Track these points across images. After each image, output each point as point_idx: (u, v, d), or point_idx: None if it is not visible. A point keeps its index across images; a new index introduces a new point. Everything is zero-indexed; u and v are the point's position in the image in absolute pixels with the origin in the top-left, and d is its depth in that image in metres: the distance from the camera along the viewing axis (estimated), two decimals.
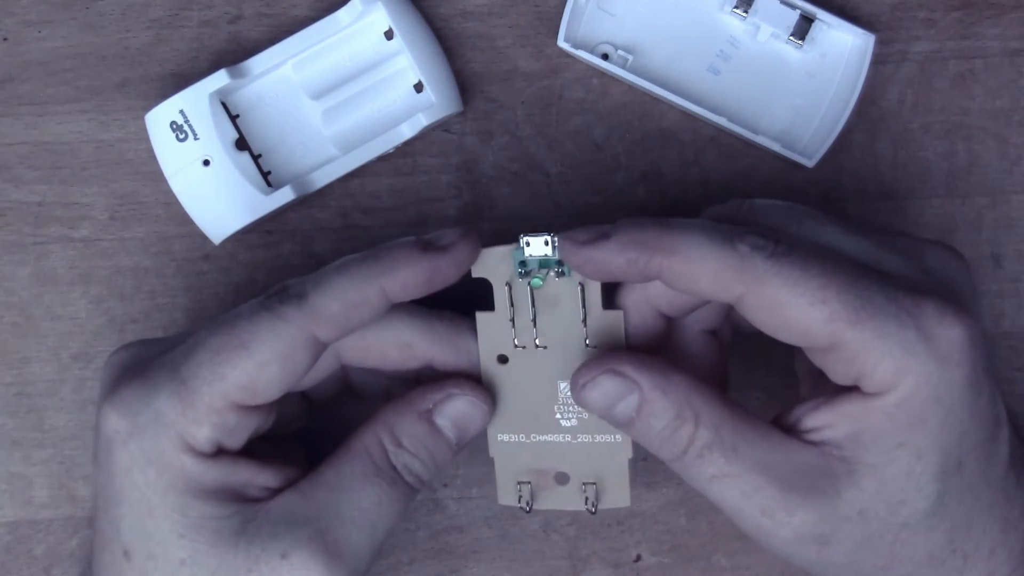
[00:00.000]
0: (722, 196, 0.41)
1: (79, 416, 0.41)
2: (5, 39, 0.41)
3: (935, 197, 0.41)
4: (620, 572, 0.41)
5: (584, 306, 0.34)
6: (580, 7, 0.40)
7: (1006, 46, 0.41)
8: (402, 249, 0.33)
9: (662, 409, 0.32)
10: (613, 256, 0.32)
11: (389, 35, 0.40)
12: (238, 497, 0.33)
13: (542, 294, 0.34)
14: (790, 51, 0.40)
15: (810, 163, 0.40)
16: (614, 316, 0.34)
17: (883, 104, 0.41)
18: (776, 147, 0.40)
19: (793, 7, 0.40)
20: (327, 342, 0.32)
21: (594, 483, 0.36)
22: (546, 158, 0.41)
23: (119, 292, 0.41)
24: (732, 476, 0.31)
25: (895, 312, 0.30)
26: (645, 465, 0.41)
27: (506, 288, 0.34)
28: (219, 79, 0.39)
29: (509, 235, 0.40)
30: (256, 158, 0.40)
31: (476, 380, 0.35)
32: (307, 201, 0.41)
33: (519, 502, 0.36)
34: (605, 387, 0.32)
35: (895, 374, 0.30)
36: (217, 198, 0.39)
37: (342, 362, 0.36)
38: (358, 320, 0.32)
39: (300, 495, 0.34)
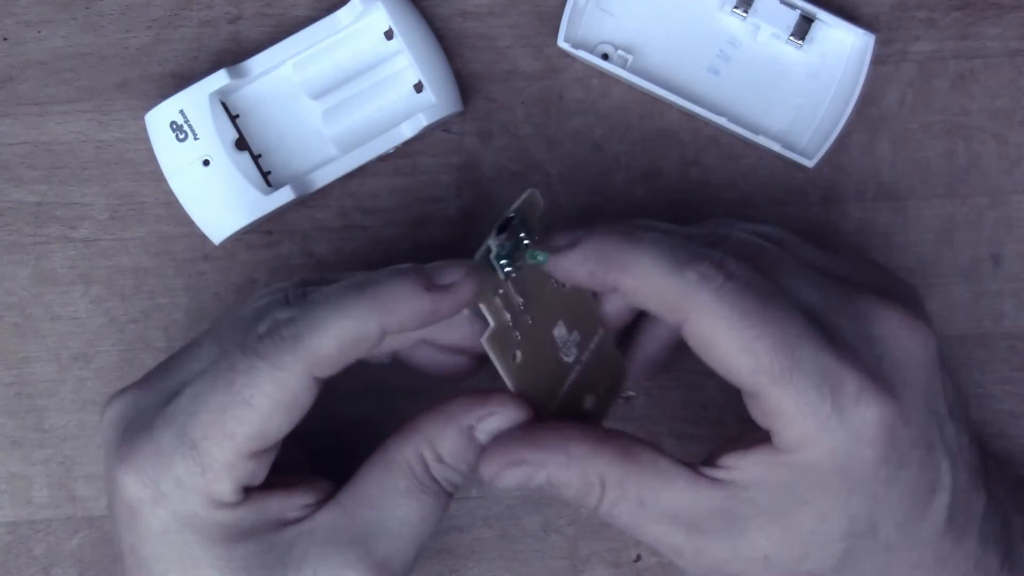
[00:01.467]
0: (722, 196, 0.41)
1: (79, 416, 0.41)
2: (5, 39, 0.41)
3: (935, 197, 0.41)
4: (620, 572, 0.41)
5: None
6: (580, 7, 0.40)
7: (1006, 46, 0.41)
8: (402, 286, 0.32)
9: (568, 480, 0.32)
10: (576, 266, 0.32)
11: (389, 35, 0.40)
12: (278, 524, 0.33)
13: (520, 277, 0.34)
14: (790, 51, 0.40)
15: (810, 163, 0.40)
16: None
17: (883, 104, 0.41)
18: (776, 147, 0.40)
19: (793, 7, 0.40)
20: (326, 378, 0.32)
21: (608, 386, 0.37)
22: (546, 158, 0.41)
23: (119, 292, 0.41)
24: (641, 526, 0.32)
25: (818, 381, 0.31)
26: None
27: (496, 299, 0.33)
28: (219, 79, 0.39)
29: None
30: (256, 158, 0.40)
31: (517, 398, 0.35)
32: (307, 201, 0.41)
33: None
34: (514, 474, 0.33)
35: (804, 439, 0.31)
36: (217, 198, 0.39)
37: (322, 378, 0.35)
38: (355, 355, 0.32)
39: (343, 512, 0.33)
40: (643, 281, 0.32)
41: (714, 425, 0.41)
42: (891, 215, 0.41)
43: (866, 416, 0.31)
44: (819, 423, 0.31)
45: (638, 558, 0.41)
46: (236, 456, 0.32)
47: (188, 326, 0.41)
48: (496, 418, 0.34)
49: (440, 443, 0.34)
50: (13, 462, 0.41)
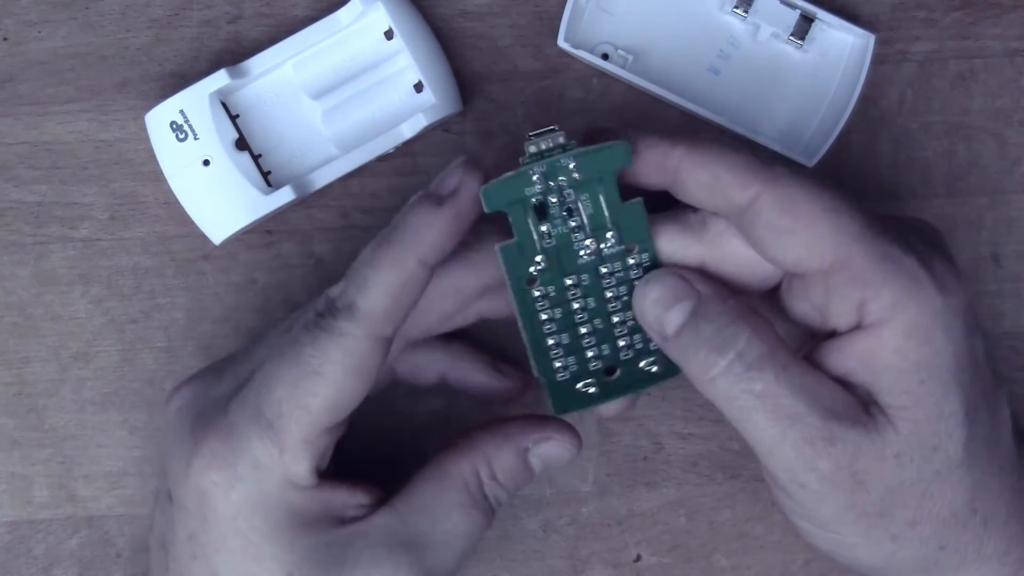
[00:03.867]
0: None
1: (79, 416, 0.41)
2: (5, 39, 0.41)
3: (935, 197, 0.41)
4: (620, 572, 0.41)
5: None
6: (580, 7, 0.40)
7: (1006, 46, 0.41)
8: (419, 215, 0.32)
9: (716, 313, 0.32)
10: (649, 148, 0.32)
11: (389, 35, 0.40)
12: (338, 521, 0.33)
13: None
14: (790, 51, 0.40)
15: (810, 163, 0.40)
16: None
17: (883, 104, 0.41)
18: (776, 147, 0.40)
19: (793, 7, 0.40)
20: (393, 336, 0.32)
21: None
22: None
23: (119, 292, 0.41)
24: (779, 396, 0.31)
25: (895, 239, 0.31)
26: (645, 465, 0.41)
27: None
28: (219, 79, 0.39)
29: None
30: (256, 158, 0.40)
31: (567, 424, 0.35)
32: (307, 201, 0.41)
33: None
34: (667, 284, 0.32)
35: (898, 299, 0.30)
36: (217, 198, 0.39)
37: (407, 341, 0.35)
38: (413, 300, 0.32)
39: (397, 518, 0.34)
40: (716, 155, 0.31)
41: (714, 425, 0.41)
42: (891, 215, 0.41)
43: (946, 267, 0.31)
44: (911, 275, 0.30)
45: (638, 558, 0.41)
46: (313, 431, 0.32)
47: (188, 326, 0.41)
48: (551, 444, 0.34)
49: (496, 461, 0.34)
50: (13, 462, 0.41)
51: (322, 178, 0.40)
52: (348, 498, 0.34)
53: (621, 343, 0.34)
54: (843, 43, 0.40)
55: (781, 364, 0.31)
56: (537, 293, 0.33)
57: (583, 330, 0.34)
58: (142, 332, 0.41)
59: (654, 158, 0.32)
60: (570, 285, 0.34)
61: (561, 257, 0.33)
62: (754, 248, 0.32)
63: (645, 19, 0.41)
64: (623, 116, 0.41)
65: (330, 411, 0.32)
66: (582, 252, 0.33)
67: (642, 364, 0.35)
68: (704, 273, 0.33)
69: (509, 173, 0.32)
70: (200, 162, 0.39)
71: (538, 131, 0.33)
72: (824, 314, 0.32)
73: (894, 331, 0.31)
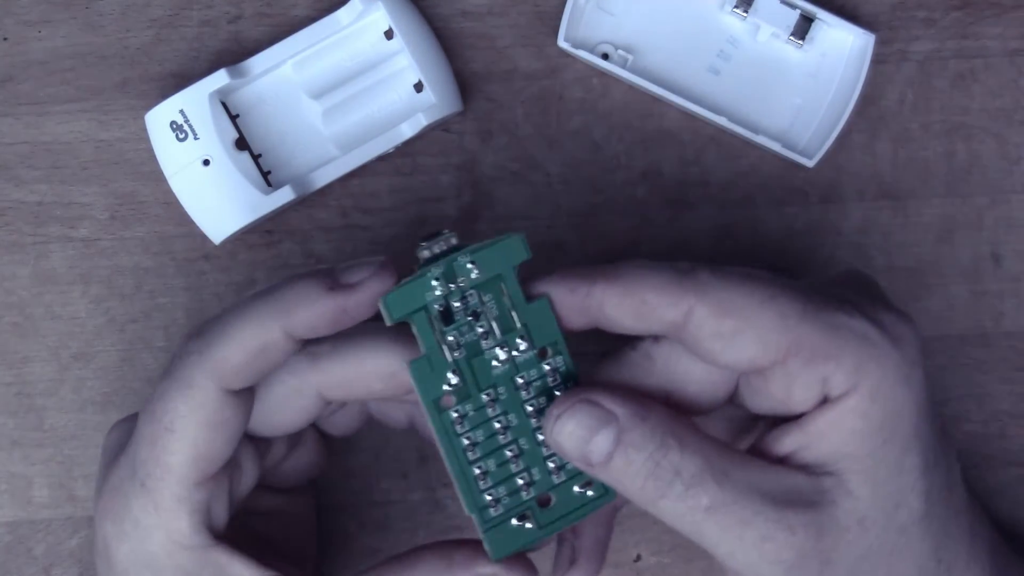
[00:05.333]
0: (722, 196, 0.41)
1: (79, 416, 0.41)
2: (5, 39, 0.41)
3: (935, 197, 0.41)
4: (620, 572, 0.41)
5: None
6: (580, 7, 0.40)
7: (1006, 46, 0.41)
8: (305, 287, 0.31)
9: (643, 439, 0.30)
10: (562, 285, 0.31)
11: (389, 35, 0.40)
12: None
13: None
14: (790, 51, 0.40)
15: (810, 163, 0.40)
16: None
17: (883, 104, 0.41)
18: (776, 147, 0.40)
19: (793, 7, 0.40)
20: (243, 392, 0.31)
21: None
22: (546, 158, 0.41)
23: (119, 292, 0.41)
24: (728, 504, 0.29)
25: (838, 305, 0.30)
26: None
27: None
28: (219, 79, 0.39)
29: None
30: (256, 158, 0.40)
31: (527, 561, 0.33)
32: (307, 201, 0.41)
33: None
34: (580, 417, 0.30)
35: (858, 365, 0.29)
36: (217, 198, 0.39)
37: (325, 400, 0.33)
38: (268, 364, 0.31)
39: None
40: (638, 282, 0.30)
41: None
42: (891, 215, 0.41)
43: (893, 317, 0.30)
44: (864, 338, 0.29)
45: (638, 558, 0.41)
46: (181, 487, 0.31)
47: (188, 326, 0.41)
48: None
49: None
50: (13, 462, 0.41)
51: (322, 178, 0.40)
52: (250, 573, 0.32)
53: (551, 464, 0.32)
54: (843, 43, 0.40)
55: (722, 471, 0.29)
56: (455, 414, 0.31)
57: (509, 453, 0.32)
58: (142, 332, 0.41)
59: (575, 302, 0.31)
60: (488, 401, 0.31)
61: (474, 368, 0.31)
62: (705, 360, 0.31)
63: (645, 19, 0.41)
64: (623, 116, 0.41)
65: (194, 467, 0.31)
66: (494, 361, 0.31)
67: (577, 489, 0.32)
68: (613, 385, 0.31)
69: (406, 280, 0.31)
70: (200, 162, 0.39)
71: (428, 236, 0.31)
72: (787, 402, 0.31)
73: (860, 396, 0.29)
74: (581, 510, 0.32)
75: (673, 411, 0.31)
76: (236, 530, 0.33)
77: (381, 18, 0.40)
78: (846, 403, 0.30)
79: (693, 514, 0.30)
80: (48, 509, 0.41)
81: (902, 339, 0.30)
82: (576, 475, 0.32)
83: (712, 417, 0.35)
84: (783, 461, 0.31)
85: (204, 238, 0.40)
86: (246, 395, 0.32)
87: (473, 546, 0.32)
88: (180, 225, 0.41)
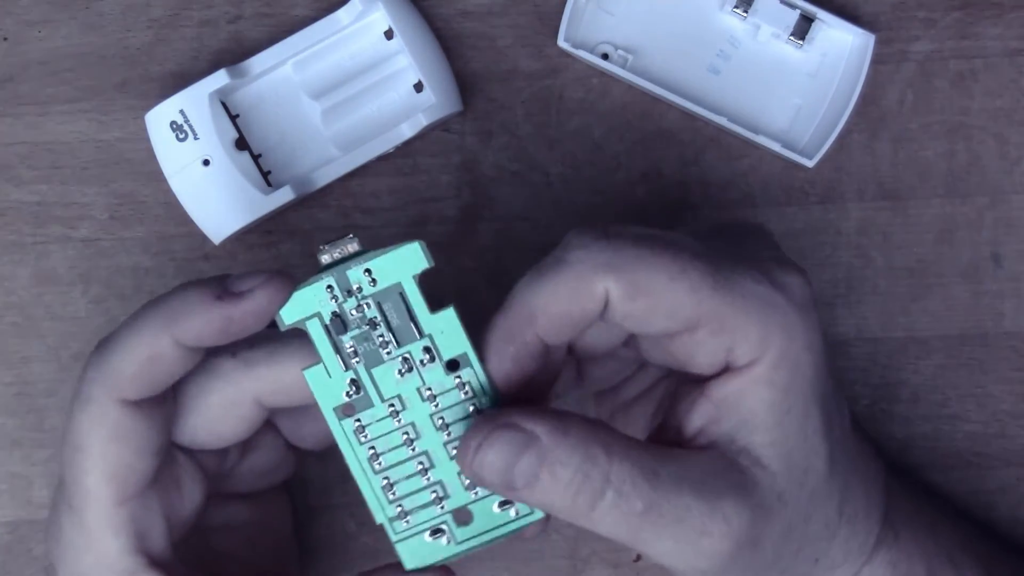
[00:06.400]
0: (722, 196, 0.41)
1: None
2: (5, 39, 0.41)
3: (935, 197, 0.41)
4: (620, 572, 0.41)
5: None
6: (580, 7, 0.40)
7: (1006, 46, 0.41)
8: (193, 295, 0.30)
9: (568, 453, 0.28)
10: (503, 364, 0.30)
11: (389, 35, 0.40)
12: None
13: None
14: (790, 51, 0.40)
15: (810, 163, 0.40)
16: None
17: (883, 104, 0.41)
18: (776, 147, 0.40)
19: (793, 7, 0.40)
20: (144, 402, 0.30)
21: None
22: (546, 158, 0.41)
23: (119, 292, 0.41)
24: (661, 504, 0.29)
25: (744, 271, 0.30)
26: None
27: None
28: (219, 79, 0.39)
29: (508, 235, 0.41)
30: (256, 158, 0.40)
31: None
32: (307, 201, 0.41)
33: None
34: (501, 445, 0.29)
35: (765, 333, 0.29)
36: (217, 198, 0.39)
37: (264, 407, 0.32)
38: (163, 374, 0.30)
39: None
40: (549, 299, 0.30)
41: None
42: (891, 215, 0.41)
43: (797, 281, 0.30)
44: (770, 304, 0.30)
45: (638, 558, 0.41)
46: (102, 508, 0.30)
47: None
48: None
49: None
50: (13, 462, 0.41)
51: (322, 178, 0.40)
52: None
53: (466, 479, 0.31)
54: (843, 43, 0.40)
55: (651, 471, 0.29)
56: (356, 424, 0.30)
57: (417, 465, 0.31)
58: None
59: (511, 343, 0.30)
60: (391, 411, 0.31)
61: (375, 378, 0.30)
62: (617, 326, 0.31)
63: (645, 19, 0.41)
64: (623, 116, 0.41)
65: (110, 485, 0.30)
66: (396, 372, 0.30)
67: (496, 508, 0.31)
68: (521, 404, 0.30)
69: (300, 286, 0.30)
70: (200, 162, 0.39)
71: (331, 240, 0.30)
72: (688, 363, 0.31)
73: (765, 365, 0.30)
74: (504, 528, 0.31)
75: (590, 418, 0.30)
76: (193, 551, 0.33)
77: (381, 18, 0.40)
78: (752, 372, 0.30)
79: (628, 520, 0.29)
80: (48, 509, 0.41)
81: (804, 303, 0.30)
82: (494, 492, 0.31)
83: (633, 406, 0.36)
84: (695, 437, 0.31)
85: (204, 238, 0.40)
86: (151, 407, 0.31)
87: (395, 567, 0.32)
88: (180, 225, 0.41)
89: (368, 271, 0.30)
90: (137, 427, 0.30)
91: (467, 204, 0.41)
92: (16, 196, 0.41)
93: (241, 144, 0.40)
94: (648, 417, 0.36)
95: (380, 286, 0.30)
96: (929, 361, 0.41)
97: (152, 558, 0.31)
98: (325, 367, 0.30)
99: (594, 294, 0.29)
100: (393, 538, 0.31)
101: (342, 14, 0.40)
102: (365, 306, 0.30)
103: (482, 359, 0.31)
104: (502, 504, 0.31)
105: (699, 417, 0.31)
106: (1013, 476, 0.41)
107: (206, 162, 0.39)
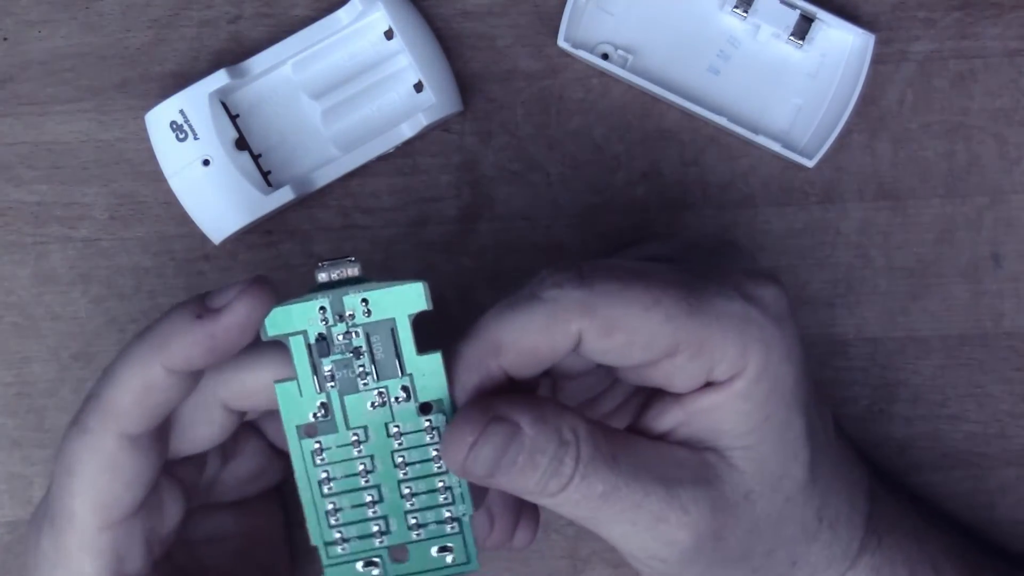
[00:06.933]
0: (722, 196, 0.41)
1: None
2: (5, 39, 0.41)
3: (935, 197, 0.41)
4: (620, 572, 0.41)
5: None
6: (580, 7, 0.40)
7: (1006, 46, 0.41)
8: (173, 319, 0.30)
9: (547, 441, 0.29)
10: (464, 392, 0.30)
11: (389, 35, 0.40)
12: None
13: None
14: (790, 51, 0.40)
15: (810, 163, 0.40)
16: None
17: (883, 104, 0.41)
18: (776, 147, 0.40)
19: (793, 7, 0.40)
20: (143, 436, 0.30)
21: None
22: (546, 158, 0.41)
23: (119, 292, 0.41)
24: (620, 488, 0.29)
25: (717, 290, 0.30)
26: None
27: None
28: (219, 79, 0.39)
29: (508, 235, 0.41)
30: (256, 158, 0.40)
31: None
32: (307, 201, 0.41)
33: None
34: (495, 440, 0.29)
35: (742, 351, 0.29)
36: (217, 198, 0.39)
37: (232, 410, 0.32)
38: (159, 404, 0.30)
39: None
40: (521, 338, 0.29)
41: None
42: (891, 215, 0.41)
43: (772, 292, 0.30)
44: (746, 321, 0.29)
45: None
46: (84, 532, 0.30)
47: None
48: None
49: None
50: (13, 462, 0.41)
51: (322, 178, 0.40)
52: None
53: (411, 519, 0.31)
54: (843, 43, 0.40)
55: (611, 456, 0.29)
56: (316, 445, 0.30)
57: (367, 497, 0.31)
58: None
59: (476, 373, 0.30)
60: (354, 440, 0.31)
61: (345, 406, 0.30)
62: (597, 361, 0.31)
63: (645, 19, 0.41)
64: (623, 116, 0.41)
65: (95, 513, 0.30)
66: (368, 403, 0.30)
67: (435, 551, 0.31)
68: (495, 394, 0.30)
69: (293, 300, 0.30)
70: (200, 162, 0.39)
71: (332, 259, 0.30)
72: (668, 386, 0.31)
73: (745, 380, 0.30)
74: (437, 572, 0.32)
75: (559, 403, 0.30)
76: (178, 566, 0.33)
77: (381, 18, 0.40)
78: (731, 387, 0.30)
79: (589, 502, 0.29)
80: None
81: (781, 315, 0.30)
82: (436, 536, 0.31)
83: (611, 419, 0.36)
84: (663, 438, 0.31)
85: (204, 238, 0.40)
86: (149, 440, 0.31)
87: None
88: (180, 225, 0.41)
89: (365, 301, 0.30)
90: (130, 462, 0.30)
91: (467, 204, 0.41)
92: (16, 196, 0.41)
93: (241, 144, 0.40)
94: (624, 427, 0.35)
95: (373, 318, 0.30)
96: (929, 361, 0.41)
97: None
98: (298, 385, 0.30)
99: (567, 333, 0.29)
100: (325, 563, 0.31)
101: (342, 14, 0.40)
102: (353, 334, 0.30)
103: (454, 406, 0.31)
104: (441, 549, 0.32)
105: (669, 421, 0.31)
106: (1013, 476, 0.41)
107: (206, 162, 0.39)
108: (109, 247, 0.41)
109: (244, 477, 0.35)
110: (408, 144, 0.40)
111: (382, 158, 0.40)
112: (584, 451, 0.29)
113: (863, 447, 0.40)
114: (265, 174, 0.40)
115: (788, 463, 0.31)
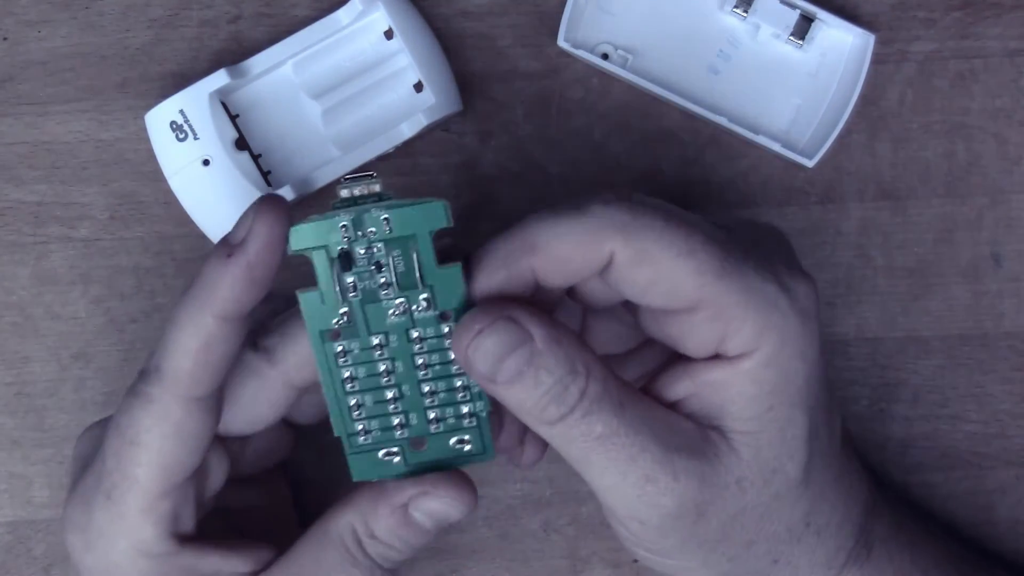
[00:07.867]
0: (722, 196, 0.41)
1: (79, 416, 0.41)
2: (5, 39, 0.41)
3: (935, 197, 0.41)
4: (620, 572, 0.41)
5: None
6: (580, 7, 0.40)
7: (1006, 46, 0.41)
8: (210, 268, 0.30)
9: (556, 362, 0.29)
10: (489, 284, 0.30)
11: (389, 35, 0.40)
12: None
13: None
14: (790, 51, 0.40)
15: (810, 163, 0.40)
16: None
17: (883, 104, 0.41)
18: (776, 147, 0.40)
19: (793, 7, 0.40)
20: (207, 396, 0.31)
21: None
22: (546, 158, 0.41)
23: (119, 292, 0.41)
24: (618, 436, 0.29)
25: (754, 266, 0.30)
26: None
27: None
28: (219, 79, 0.39)
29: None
30: (256, 158, 0.40)
31: (459, 474, 0.33)
32: (307, 201, 0.41)
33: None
34: (500, 335, 0.29)
35: (760, 331, 0.30)
36: (217, 198, 0.39)
37: (294, 389, 0.33)
38: (221, 357, 0.30)
39: None
40: (558, 247, 0.30)
41: None
42: (891, 215, 0.41)
43: (806, 289, 0.30)
44: (772, 304, 0.30)
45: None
46: (147, 499, 0.31)
47: None
48: (431, 499, 0.32)
49: (373, 519, 0.32)
50: (13, 462, 0.41)
51: (322, 178, 0.40)
52: (221, 563, 0.32)
53: (431, 415, 0.32)
54: (843, 43, 0.40)
55: (618, 402, 0.30)
56: (339, 348, 0.31)
57: (389, 394, 0.32)
58: (142, 332, 0.41)
59: (505, 267, 0.30)
60: (376, 344, 0.31)
61: (367, 314, 0.31)
62: (619, 291, 0.31)
63: (645, 19, 0.41)
64: (623, 116, 0.41)
65: (160, 479, 0.31)
66: (391, 311, 0.31)
67: (453, 441, 0.32)
68: (525, 303, 0.30)
69: (317, 216, 0.30)
70: (200, 162, 0.39)
71: (354, 175, 0.31)
72: (679, 341, 0.31)
73: (755, 361, 0.30)
74: (454, 461, 0.33)
75: (580, 337, 0.31)
76: (213, 530, 0.33)
77: (381, 18, 0.40)
78: (741, 365, 0.30)
79: (584, 440, 0.30)
80: (48, 509, 0.41)
81: (807, 312, 0.30)
82: (454, 430, 0.32)
83: (625, 361, 0.36)
84: (674, 406, 0.31)
85: (204, 238, 0.40)
86: (211, 401, 0.31)
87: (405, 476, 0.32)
88: (180, 225, 0.41)
89: (387, 219, 0.31)
90: (195, 425, 0.31)
91: (467, 204, 0.41)
92: (16, 196, 0.41)
93: (241, 144, 0.40)
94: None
95: (395, 234, 0.31)
96: (929, 361, 0.41)
97: (182, 538, 0.32)
98: (321, 294, 0.31)
99: (600, 251, 0.30)
100: (348, 451, 0.32)
101: (342, 14, 0.40)
102: (375, 248, 0.31)
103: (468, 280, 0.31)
104: (459, 441, 0.32)
105: (681, 390, 0.31)
106: (1013, 476, 0.41)
107: (206, 162, 0.39)
108: (109, 247, 0.41)
109: (260, 452, 0.36)
110: (408, 144, 0.40)
111: (382, 158, 0.40)
112: (592, 388, 0.29)
113: (863, 447, 0.41)
114: (265, 174, 0.40)
115: (783, 460, 0.31)
